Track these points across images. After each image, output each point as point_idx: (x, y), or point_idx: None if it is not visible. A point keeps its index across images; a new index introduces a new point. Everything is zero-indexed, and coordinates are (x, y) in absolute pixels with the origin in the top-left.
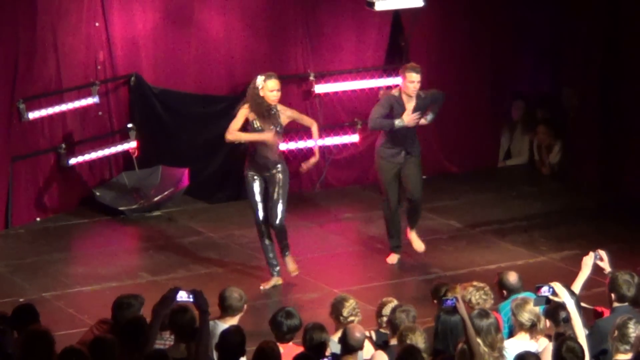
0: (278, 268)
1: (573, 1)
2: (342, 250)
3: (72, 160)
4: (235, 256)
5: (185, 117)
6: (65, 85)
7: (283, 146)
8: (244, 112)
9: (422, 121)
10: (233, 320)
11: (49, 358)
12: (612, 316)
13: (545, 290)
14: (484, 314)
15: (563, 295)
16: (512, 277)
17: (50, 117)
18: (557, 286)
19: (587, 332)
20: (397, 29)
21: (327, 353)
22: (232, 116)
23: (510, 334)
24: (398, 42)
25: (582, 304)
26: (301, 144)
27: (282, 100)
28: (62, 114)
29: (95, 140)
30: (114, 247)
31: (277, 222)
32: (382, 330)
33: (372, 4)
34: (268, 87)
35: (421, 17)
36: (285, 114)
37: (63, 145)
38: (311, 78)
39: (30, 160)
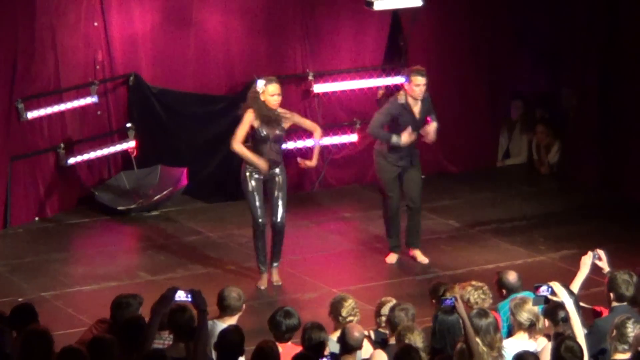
0: (266, 267)
1: (572, 1)
2: (341, 250)
3: (71, 160)
4: (234, 256)
5: (184, 117)
6: (64, 85)
7: (283, 146)
8: (249, 118)
9: (431, 137)
10: (232, 320)
11: (48, 358)
12: (610, 316)
13: (544, 290)
14: (483, 313)
15: (562, 295)
16: (512, 277)
17: (49, 117)
18: (556, 286)
19: (585, 331)
20: (396, 29)
21: (326, 352)
22: (231, 116)
23: (509, 334)
24: (397, 41)
25: (581, 304)
26: (300, 144)
27: (282, 100)
28: (61, 114)
29: (94, 140)
30: (112, 247)
31: (279, 219)
32: (381, 329)
33: (371, 4)
34: (269, 91)
35: (420, 16)
36: (287, 118)
37: (62, 145)
38: (310, 78)
39: (29, 160)
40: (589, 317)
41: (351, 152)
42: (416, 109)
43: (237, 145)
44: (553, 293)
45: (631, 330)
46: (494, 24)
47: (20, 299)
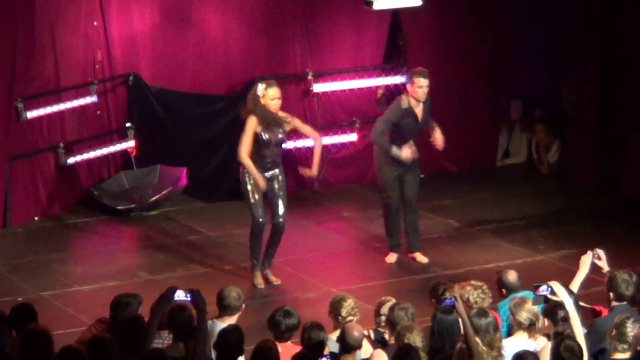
0: (259, 265)
1: (571, 1)
2: (341, 250)
3: (71, 160)
4: (234, 255)
5: (184, 117)
6: (63, 84)
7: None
8: (252, 125)
9: (440, 143)
10: (231, 320)
11: (47, 357)
12: (610, 315)
13: (543, 289)
14: (483, 313)
15: (561, 295)
16: (512, 276)
17: (48, 117)
18: (556, 285)
19: (585, 331)
20: (395, 28)
21: (326, 352)
22: (230, 116)
23: (509, 333)
24: (396, 41)
25: (581, 303)
26: (300, 143)
27: (282, 100)
28: (61, 113)
29: (93, 139)
30: (112, 247)
31: (281, 218)
32: (380, 329)
33: (370, 3)
34: (269, 95)
35: (419, 16)
36: (288, 122)
37: (61, 145)
38: (309, 77)
39: (28, 160)
40: (589, 317)
41: (351, 152)
42: (418, 110)
43: (245, 157)
44: (553, 292)
45: (631, 329)
46: (494, 24)
47: (19, 299)
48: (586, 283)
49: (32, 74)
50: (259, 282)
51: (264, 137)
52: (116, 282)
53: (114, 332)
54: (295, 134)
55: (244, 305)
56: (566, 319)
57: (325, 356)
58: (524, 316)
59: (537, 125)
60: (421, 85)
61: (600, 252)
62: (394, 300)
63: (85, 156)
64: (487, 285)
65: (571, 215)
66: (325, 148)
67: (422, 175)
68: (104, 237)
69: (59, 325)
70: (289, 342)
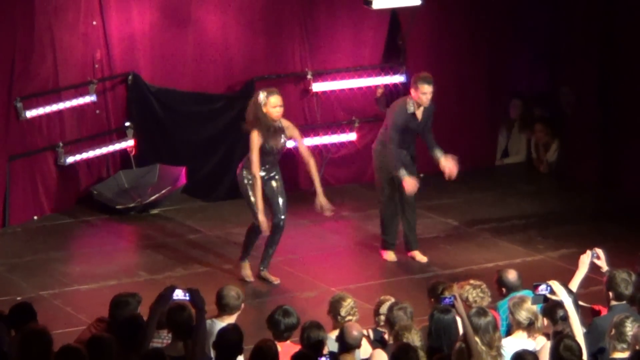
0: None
1: (570, 0)
2: (340, 249)
3: (70, 159)
4: (233, 254)
5: (183, 116)
6: (62, 83)
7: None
8: (256, 140)
9: (449, 172)
10: (231, 319)
11: (47, 357)
12: (609, 314)
13: (543, 289)
14: (482, 312)
15: (561, 294)
16: (512, 275)
17: (47, 116)
18: (555, 284)
19: (584, 330)
20: (394, 28)
21: (325, 351)
22: (229, 115)
23: (508, 333)
24: (395, 40)
25: (580, 303)
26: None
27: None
28: (60, 113)
29: (92, 138)
30: (111, 246)
31: (282, 217)
32: (379, 328)
33: (369, 3)
34: (271, 103)
35: (419, 15)
36: (289, 131)
37: (60, 144)
38: (309, 76)
39: (27, 159)
40: (588, 316)
41: (350, 151)
42: (419, 113)
43: (258, 176)
44: (552, 292)
45: (630, 329)
46: (493, 23)
47: (18, 298)
48: (585, 282)
49: (31, 74)
50: (247, 273)
51: (266, 147)
52: (115, 282)
53: (113, 331)
54: None
55: (243, 305)
56: (565, 319)
57: (325, 355)
58: (523, 315)
59: (537, 124)
60: (425, 92)
61: (599, 252)
62: (393, 300)
63: (85, 155)
64: (486, 285)
65: (570, 214)
66: (324, 147)
67: (422, 175)
68: (103, 237)
69: (58, 324)
70: (288, 342)
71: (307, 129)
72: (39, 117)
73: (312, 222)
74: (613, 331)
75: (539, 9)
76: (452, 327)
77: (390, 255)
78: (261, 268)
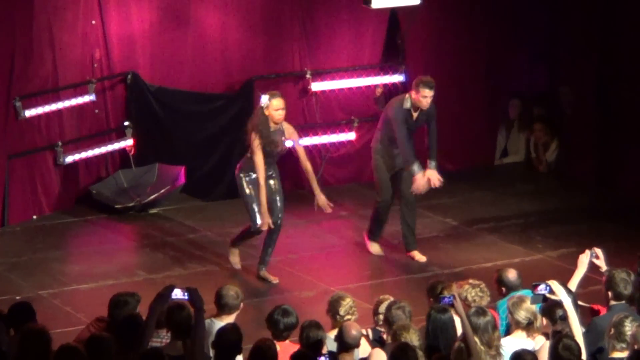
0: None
1: (569, 0)
2: (339, 248)
3: (69, 158)
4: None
5: (182, 115)
6: (61, 83)
7: None
8: (257, 142)
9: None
10: (229, 319)
11: (46, 356)
12: (608, 314)
13: (542, 288)
14: (481, 311)
15: (560, 293)
16: (511, 274)
17: (46, 115)
18: (554, 284)
19: (583, 329)
20: (393, 27)
21: (324, 351)
22: (228, 114)
23: (507, 332)
24: (395, 40)
25: (579, 302)
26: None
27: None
28: (59, 112)
29: (91, 138)
30: (110, 245)
31: (279, 215)
32: (378, 328)
33: (368, 2)
34: (273, 105)
35: (418, 15)
36: (288, 133)
37: (59, 143)
38: (308, 76)
39: (26, 158)
40: (587, 316)
41: (349, 151)
42: (414, 113)
43: (261, 177)
44: (551, 291)
45: (629, 328)
46: (492, 23)
47: (17, 297)
48: (584, 282)
49: (30, 73)
50: (236, 260)
51: (267, 149)
52: (114, 281)
53: (112, 330)
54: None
55: (242, 304)
56: (564, 318)
57: (324, 355)
58: (522, 315)
59: (536, 124)
60: (426, 96)
61: (598, 251)
62: (392, 299)
63: (84, 155)
64: (485, 284)
65: (569, 214)
66: (323, 147)
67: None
68: (102, 236)
69: (57, 323)
70: (287, 341)
71: (306, 129)
72: (38, 117)
73: (311, 221)
74: (612, 331)
75: (538, 9)
76: (449, 327)
77: (375, 247)
78: (260, 267)
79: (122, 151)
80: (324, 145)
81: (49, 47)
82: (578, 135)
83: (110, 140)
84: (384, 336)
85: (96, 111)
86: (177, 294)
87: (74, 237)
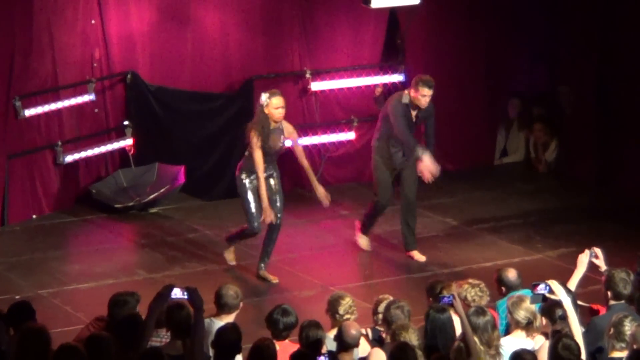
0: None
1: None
2: (339, 248)
3: (68, 158)
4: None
5: (182, 115)
6: (61, 82)
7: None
8: (256, 139)
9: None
10: (229, 318)
11: (45, 355)
12: (608, 314)
13: (541, 288)
14: (481, 311)
15: (559, 293)
16: (511, 274)
17: (46, 115)
18: (554, 284)
19: (583, 329)
20: (393, 27)
21: (324, 350)
22: (228, 114)
23: (507, 332)
24: (394, 39)
25: (578, 302)
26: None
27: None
28: (58, 112)
29: (91, 137)
30: (110, 245)
31: (279, 215)
32: (378, 327)
33: (368, 2)
34: (273, 104)
35: (417, 14)
36: (288, 132)
37: (59, 143)
38: (307, 75)
39: (26, 158)
40: (587, 315)
41: (348, 150)
42: (413, 112)
43: (260, 172)
44: (551, 291)
45: (628, 328)
46: (492, 22)
47: (17, 297)
48: (584, 282)
49: (30, 72)
50: (230, 257)
51: (265, 147)
52: (114, 280)
53: (112, 330)
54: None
55: (241, 304)
56: (564, 318)
57: (323, 354)
58: (521, 315)
59: (535, 123)
60: (425, 95)
61: (598, 251)
62: (391, 299)
63: (83, 154)
64: (484, 284)
65: (569, 213)
66: (323, 146)
67: (420, 175)
68: (101, 235)
69: (56, 323)
70: (286, 341)
71: (305, 128)
72: (38, 116)
73: (311, 221)
74: (612, 330)
75: (538, 9)
76: (447, 327)
77: (363, 241)
78: (260, 266)
79: (122, 151)
80: (323, 144)
81: (48, 46)
82: (577, 135)
83: (109, 140)
84: (384, 335)
85: (96, 110)
86: (177, 293)
87: (74, 236)
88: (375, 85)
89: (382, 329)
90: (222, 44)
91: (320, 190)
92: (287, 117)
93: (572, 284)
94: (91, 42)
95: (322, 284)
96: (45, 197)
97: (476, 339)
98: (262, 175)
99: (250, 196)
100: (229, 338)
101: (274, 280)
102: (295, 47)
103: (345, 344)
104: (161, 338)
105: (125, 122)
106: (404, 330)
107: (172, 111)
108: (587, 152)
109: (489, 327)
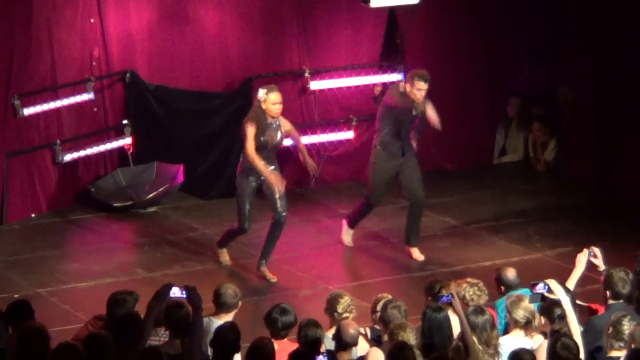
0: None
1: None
2: (337, 247)
3: (67, 157)
4: (230, 252)
5: (181, 114)
6: (60, 81)
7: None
8: (252, 131)
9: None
10: (228, 317)
11: (44, 354)
12: (606, 313)
13: (540, 288)
14: (479, 310)
15: (558, 292)
16: (511, 273)
17: (45, 114)
18: (553, 283)
19: (581, 329)
20: (392, 26)
21: (322, 349)
22: (227, 113)
23: (506, 331)
24: (393, 39)
25: (577, 301)
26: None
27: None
28: (57, 110)
29: (90, 136)
30: (108, 244)
31: (283, 213)
32: (376, 326)
33: (367, 1)
34: (270, 100)
35: (416, 14)
36: (286, 128)
37: (58, 142)
38: (306, 75)
39: (25, 157)
40: (585, 315)
41: (347, 149)
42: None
43: (253, 157)
44: (549, 290)
45: (627, 327)
46: (491, 22)
47: (16, 296)
48: (582, 281)
49: (29, 71)
50: (226, 259)
51: (261, 139)
52: (113, 279)
53: (111, 329)
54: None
55: (240, 303)
56: (563, 317)
57: (322, 354)
58: (520, 314)
59: (534, 123)
60: (420, 88)
61: (596, 250)
62: (390, 298)
63: (82, 153)
64: (483, 283)
65: (568, 213)
66: (321, 146)
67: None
68: (100, 234)
69: (55, 322)
70: (285, 340)
71: (304, 127)
72: (37, 115)
73: (310, 220)
74: (610, 330)
75: (537, 8)
76: (444, 326)
77: (348, 237)
78: (261, 262)
79: (121, 149)
80: (322, 144)
81: (47, 45)
82: (576, 134)
83: (108, 139)
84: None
85: (95, 109)
86: (176, 292)
87: (73, 235)
88: (375, 85)
89: (380, 327)
90: (221, 42)
91: (309, 161)
92: (286, 116)
93: (571, 283)
94: (90, 41)
95: (321, 283)
96: (44, 196)
97: (475, 338)
98: (259, 161)
99: (247, 197)
100: (227, 337)
101: (273, 279)
102: (294, 46)
103: (344, 343)
104: (160, 337)
105: (124, 121)
106: (402, 329)
107: (171, 110)
108: (586, 151)
109: (488, 326)
